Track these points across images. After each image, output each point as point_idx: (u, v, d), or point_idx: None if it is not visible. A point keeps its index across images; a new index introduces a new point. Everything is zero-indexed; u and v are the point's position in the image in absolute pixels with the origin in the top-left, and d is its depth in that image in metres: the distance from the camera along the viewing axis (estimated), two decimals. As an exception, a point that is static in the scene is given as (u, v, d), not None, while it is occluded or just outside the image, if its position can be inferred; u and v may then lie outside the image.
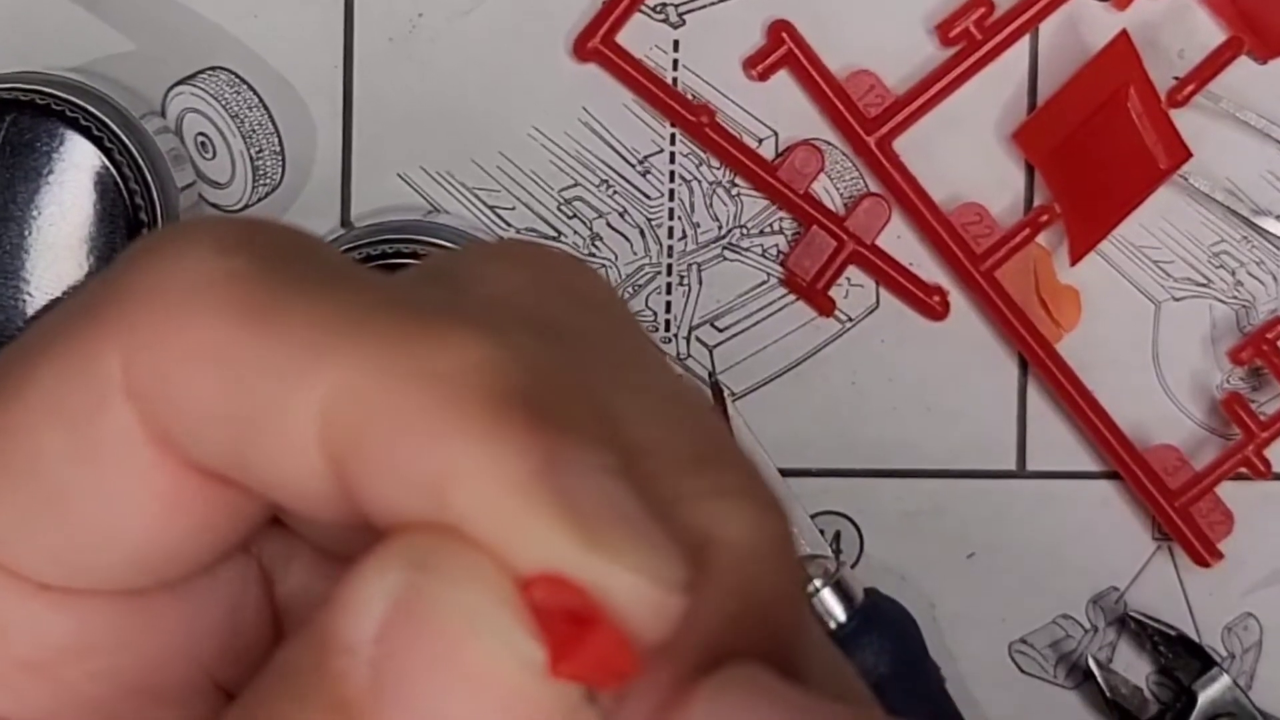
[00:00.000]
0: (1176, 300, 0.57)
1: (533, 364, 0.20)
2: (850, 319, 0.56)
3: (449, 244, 0.51)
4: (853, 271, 0.56)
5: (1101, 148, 0.54)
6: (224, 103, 0.54)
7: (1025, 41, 0.56)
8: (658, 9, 0.55)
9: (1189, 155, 0.53)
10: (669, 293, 0.56)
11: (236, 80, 0.54)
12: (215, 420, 0.20)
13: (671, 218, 0.55)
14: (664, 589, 0.19)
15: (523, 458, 0.19)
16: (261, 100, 0.54)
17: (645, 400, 0.21)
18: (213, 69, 0.54)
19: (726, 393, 0.55)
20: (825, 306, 0.56)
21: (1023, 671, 0.57)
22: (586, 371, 0.21)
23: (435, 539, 0.19)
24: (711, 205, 0.55)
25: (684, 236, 0.55)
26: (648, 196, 0.55)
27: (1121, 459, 0.56)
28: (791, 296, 0.56)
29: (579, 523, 0.19)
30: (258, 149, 0.54)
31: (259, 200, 0.54)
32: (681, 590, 0.19)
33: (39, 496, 0.21)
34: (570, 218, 0.55)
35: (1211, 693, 0.55)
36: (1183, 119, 0.54)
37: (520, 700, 0.19)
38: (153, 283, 0.21)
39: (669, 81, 0.55)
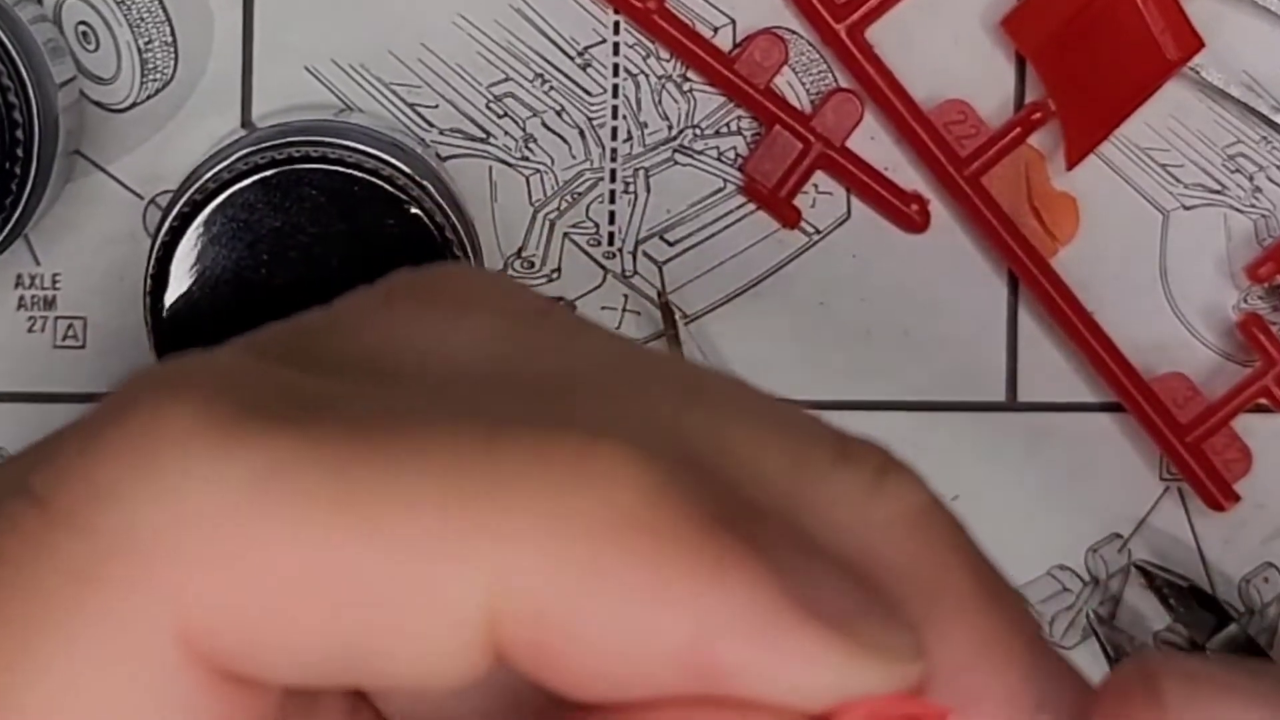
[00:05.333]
0: (1187, 209, 0.55)
1: (672, 453, 0.20)
2: (818, 231, 0.54)
3: (361, 146, 0.48)
4: (820, 177, 0.54)
5: (1102, 36, 0.53)
6: (108, -13, 0.51)
7: (1015, -84, 0.53)
8: (599, -119, 0.53)
9: (1201, 45, 0.52)
10: (612, 201, 0.54)
11: (122, -39, 0.52)
12: (316, 643, 0.19)
13: (615, 117, 0.54)
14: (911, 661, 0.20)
15: (766, 587, 0.19)
16: (151, -16, 0.52)
17: (724, 411, 0.21)
18: (95, -52, 0.51)
19: (678, 315, 0.54)
20: (790, 217, 0.54)
21: (1014, 629, 0.56)
22: (684, 424, 0.21)
23: (708, 711, 0.19)
24: (660, 103, 0.54)
25: (629, 138, 0.54)
26: (588, 93, 0.53)
27: (1125, 389, 0.55)
28: (751, 206, 0.54)
29: (856, 638, 0.19)
30: (146, 39, 0.52)
31: (148, 97, 0.52)
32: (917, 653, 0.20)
33: None
34: (500, 117, 0.53)
35: (1227, 651, 0.55)
36: (1194, 4, 0.52)
37: None
38: (178, 497, 0.19)
39: (612, -38, 0.53)
